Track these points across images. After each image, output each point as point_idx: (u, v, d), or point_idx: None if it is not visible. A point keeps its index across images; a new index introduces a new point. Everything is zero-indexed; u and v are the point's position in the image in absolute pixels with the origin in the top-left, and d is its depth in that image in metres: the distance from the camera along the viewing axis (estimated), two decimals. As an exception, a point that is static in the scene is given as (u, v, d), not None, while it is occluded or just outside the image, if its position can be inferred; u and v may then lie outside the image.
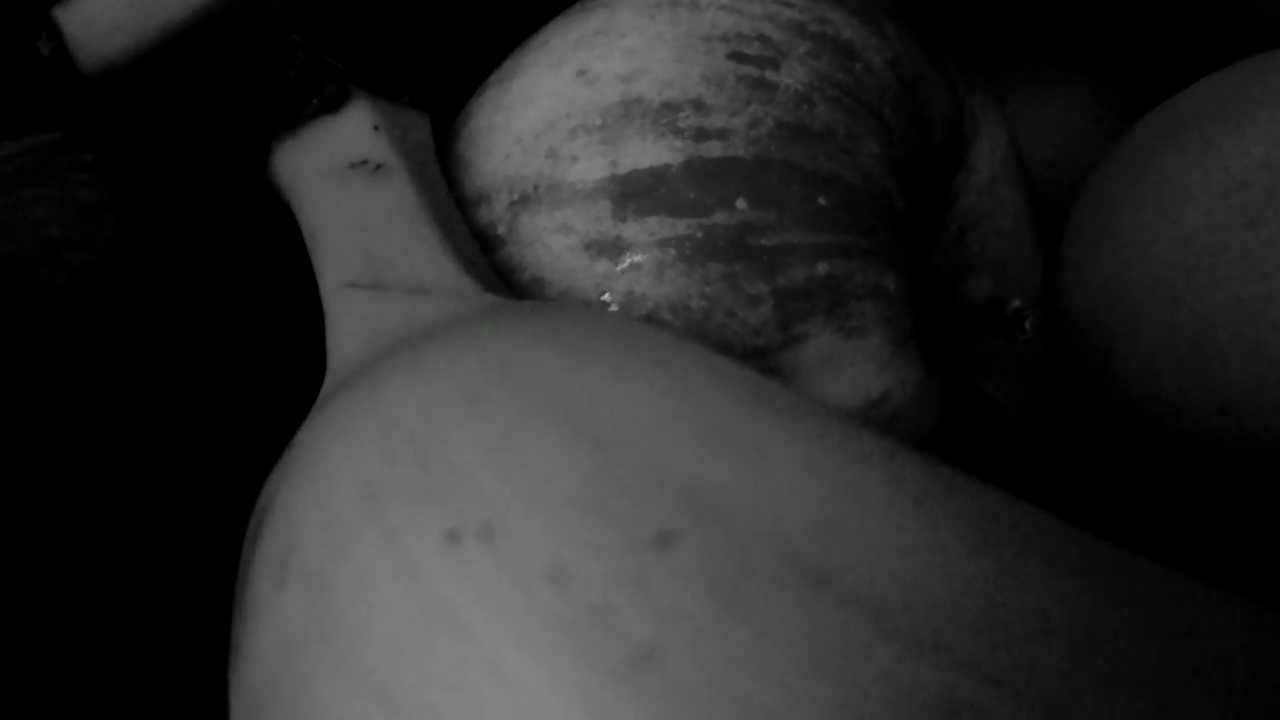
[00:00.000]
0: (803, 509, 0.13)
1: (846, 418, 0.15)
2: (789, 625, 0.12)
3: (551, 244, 0.21)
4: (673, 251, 0.21)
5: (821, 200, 0.21)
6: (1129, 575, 0.13)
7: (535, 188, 0.22)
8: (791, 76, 0.22)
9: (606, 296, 0.21)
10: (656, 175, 0.21)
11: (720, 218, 0.21)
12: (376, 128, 0.21)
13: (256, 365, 0.19)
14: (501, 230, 0.22)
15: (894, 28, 0.24)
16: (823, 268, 0.21)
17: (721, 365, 0.15)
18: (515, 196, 0.22)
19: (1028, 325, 0.23)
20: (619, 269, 0.21)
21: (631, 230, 0.21)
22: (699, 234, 0.21)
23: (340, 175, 0.21)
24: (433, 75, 0.25)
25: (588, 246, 0.21)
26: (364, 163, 0.21)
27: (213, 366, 0.19)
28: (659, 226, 0.21)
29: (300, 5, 0.25)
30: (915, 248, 0.24)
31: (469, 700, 0.12)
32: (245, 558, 0.15)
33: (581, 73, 0.22)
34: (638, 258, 0.21)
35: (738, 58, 0.22)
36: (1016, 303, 0.23)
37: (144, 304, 0.18)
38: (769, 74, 0.22)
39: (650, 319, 0.21)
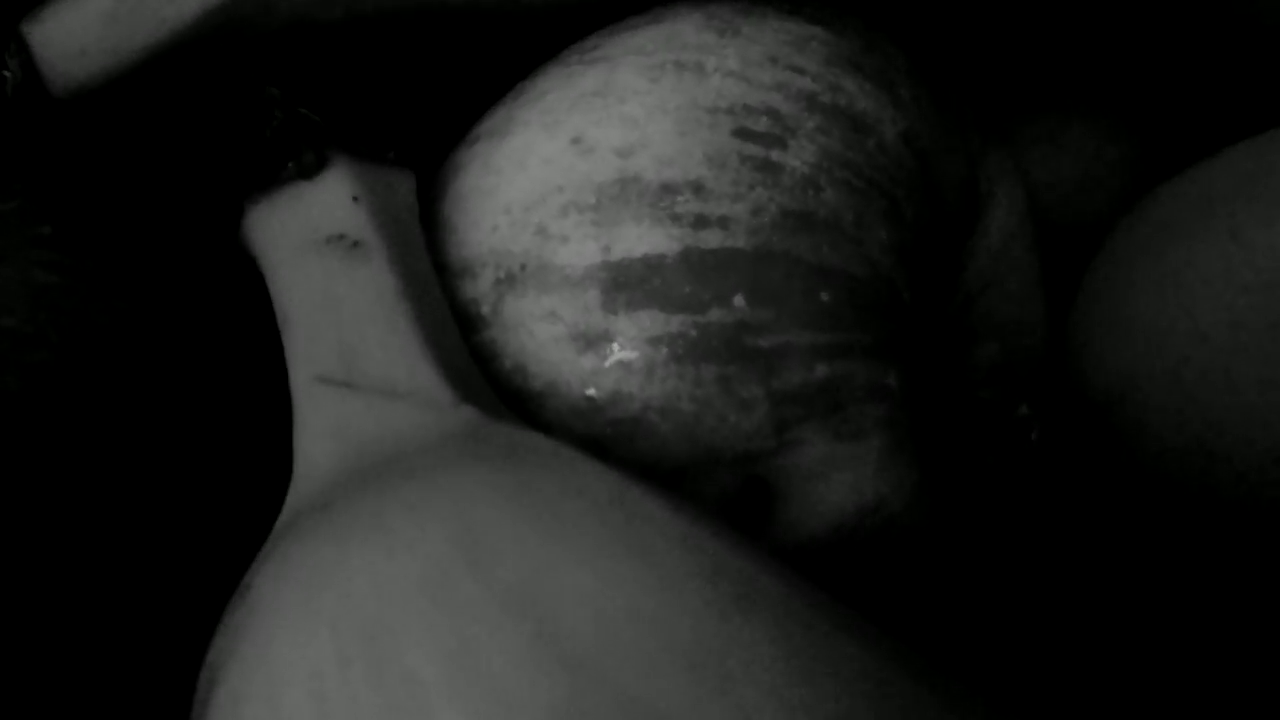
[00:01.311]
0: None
1: (811, 591, 0.14)
2: None
3: (536, 331, 0.20)
4: (664, 350, 0.20)
5: (824, 296, 0.20)
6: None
7: (522, 267, 0.21)
8: (799, 157, 0.21)
9: (592, 392, 0.20)
10: (651, 265, 0.20)
11: (716, 315, 0.20)
12: (356, 198, 0.20)
13: (217, 459, 0.18)
14: (485, 310, 0.21)
15: (910, 92, 0.23)
16: (821, 370, 0.20)
17: (694, 537, 0.14)
18: (501, 274, 0.21)
19: (1033, 436, 0.22)
20: (606, 365, 0.20)
21: (622, 324, 0.20)
22: (693, 332, 0.20)
23: (315, 249, 0.20)
24: (418, 113, 0.24)
25: (574, 338, 0.20)
26: (341, 238, 0.20)
27: (171, 464, 0.18)
28: (651, 322, 0.20)
29: (276, 40, 0.24)
30: (922, 328, 0.23)
31: None
32: None
33: (576, 140, 0.21)
34: (627, 355, 0.20)
35: (743, 135, 0.21)
36: (1024, 409, 0.22)
37: (99, 403, 0.17)
38: (775, 154, 0.21)
39: (637, 421, 0.20)
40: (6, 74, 0.24)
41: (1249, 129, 0.27)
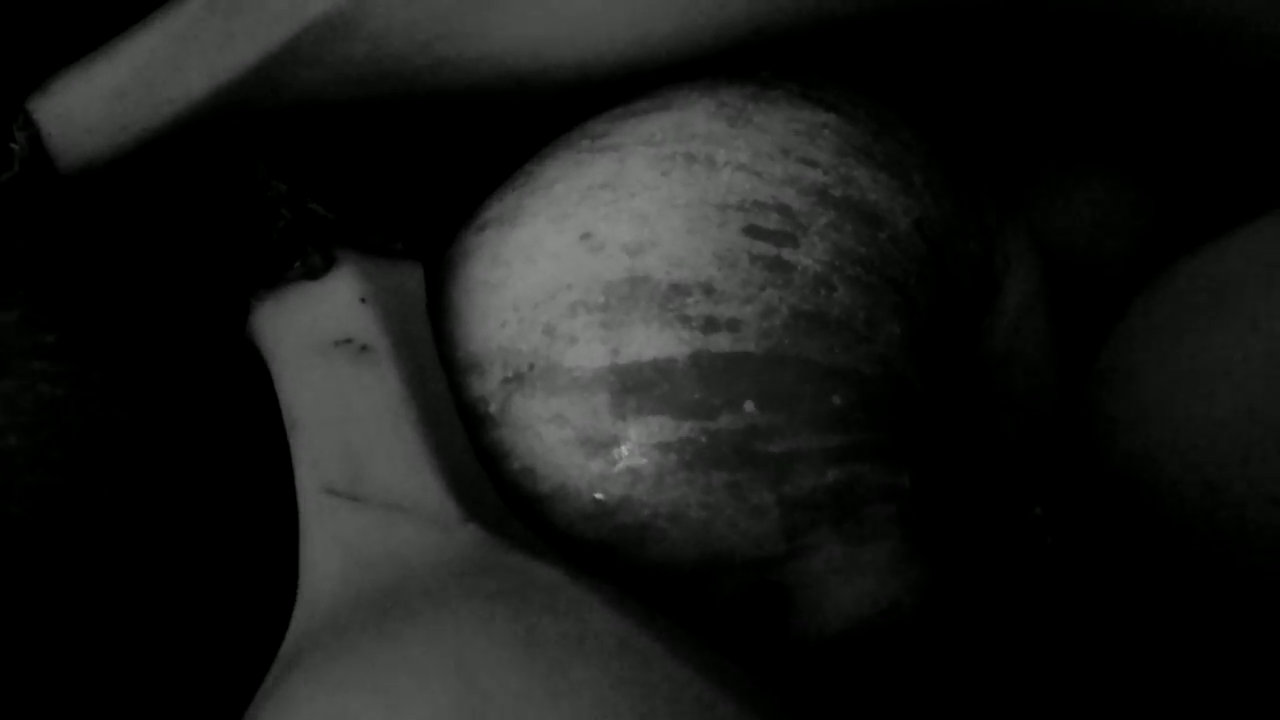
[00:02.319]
0: None
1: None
2: None
3: (545, 434, 0.20)
4: (674, 457, 0.20)
5: (835, 399, 0.20)
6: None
7: (531, 367, 0.20)
8: (811, 255, 0.21)
9: (600, 496, 0.20)
10: (660, 369, 0.20)
11: (726, 421, 0.20)
12: (363, 300, 0.20)
13: (224, 570, 0.18)
14: (494, 409, 0.20)
15: (923, 177, 0.23)
16: (832, 474, 0.20)
17: (707, 692, 0.14)
18: (509, 374, 0.20)
19: (1048, 540, 0.22)
20: (615, 470, 0.20)
21: (631, 430, 0.20)
22: (703, 439, 0.20)
23: (323, 352, 0.20)
24: (424, 192, 0.24)
25: (583, 442, 0.20)
26: (348, 341, 0.20)
27: (177, 577, 0.18)
28: (660, 428, 0.20)
29: (283, 120, 0.24)
30: (936, 418, 0.23)
31: None
32: None
33: (586, 236, 0.21)
34: (636, 461, 0.20)
35: (754, 232, 0.21)
36: (1039, 511, 0.22)
37: (102, 523, 0.17)
38: (786, 252, 0.20)
39: (646, 527, 0.20)
40: (14, 147, 0.24)
41: (1267, 175, 0.26)
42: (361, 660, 0.15)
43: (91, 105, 0.24)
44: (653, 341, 0.20)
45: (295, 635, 0.17)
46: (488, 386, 0.21)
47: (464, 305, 0.22)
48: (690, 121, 0.22)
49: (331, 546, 0.18)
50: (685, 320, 0.20)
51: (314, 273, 0.20)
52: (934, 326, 0.22)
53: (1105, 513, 0.24)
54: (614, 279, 0.20)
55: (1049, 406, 0.26)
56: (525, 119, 0.24)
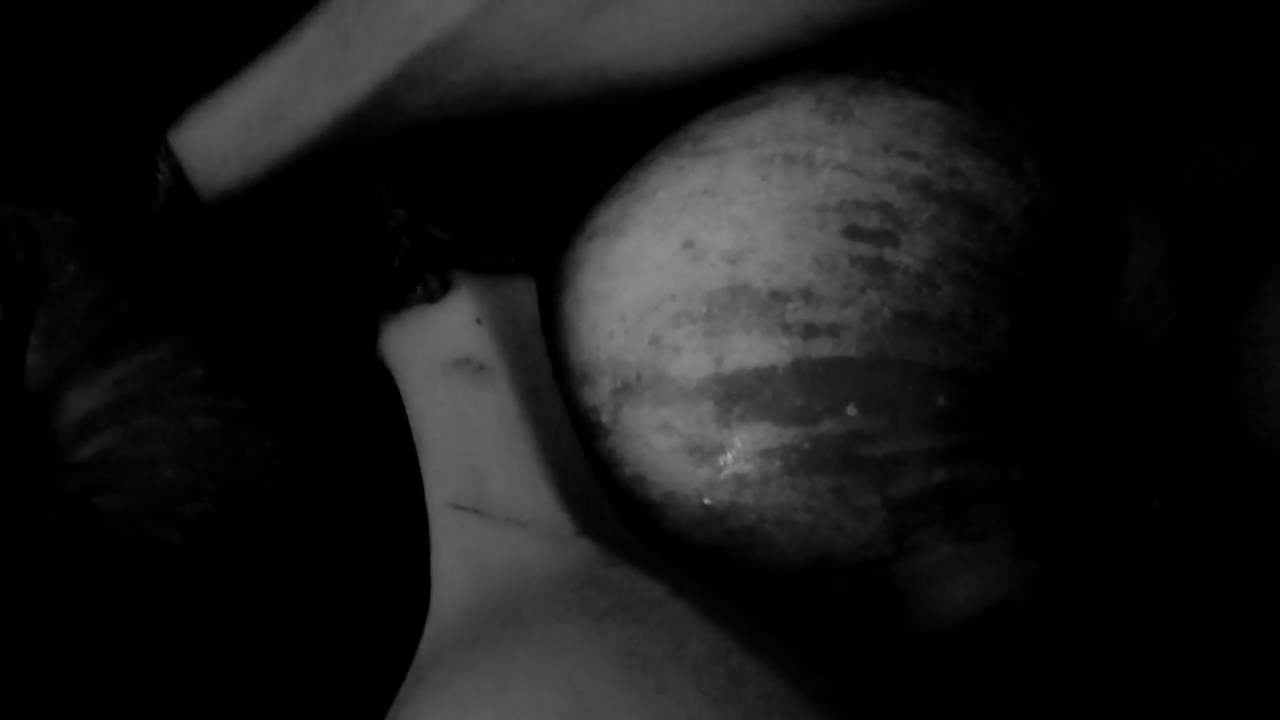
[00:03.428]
0: None
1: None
2: None
3: (654, 442, 0.21)
4: (778, 463, 0.20)
5: (940, 400, 0.20)
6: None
7: (638, 377, 0.21)
8: (912, 254, 0.20)
9: (708, 502, 0.20)
10: (762, 377, 0.20)
11: (829, 427, 0.20)
12: (479, 321, 0.21)
13: (367, 586, 0.20)
14: (605, 418, 0.21)
15: (1034, 161, 0.22)
16: (940, 474, 0.20)
17: (795, 704, 0.15)
18: (618, 384, 0.21)
19: (1168, 531, 0.21)
20: (721, 476, 0.20)
21: (735, 438, 0.20)
22: (806, 445, 0.20)
23: (444, 372, 0.21)
24: (535, 202, 0.25)
25: (690, 450, 0.20)
26: (467, 360, 0.21)
27: (324, 596, 0.19)
28: (764, 435, 0.20)
29: (401, 141, 0.25)
30: (1051, 411, 0.22)
31: None
32: None
33: (688, 245, 0.21)
34: (741, 467, 0.20)
35: (853, 234, 0.21)
36: (1158, 502, 0.21)
37: (256, 546, 0.18)
38: (887, 253, 0.20)
39: (754, 531, 0.20)
40: (159, 177, 0.26)
41: None
42: (481, 675, 0.16)
43: (225, 136, 0.25)
44: (754, 350, 0.20)
45: (427, 645, 0.18)
46: (599, 396, 0.21)
47: (575, 316, 0.22)
48: (789, 120, 0.22)
49: (458, 559, 0.19)
50: (785, 327, 0.20)
51: (433, 296, 0.21)
52: (1047, 315, 0.22)
53: (1238, 499, 0.23)
54: (715, 288, 0.21)
55: (1181, 384, 0.25)
56: (631, 122, 0.24)
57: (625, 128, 0.24)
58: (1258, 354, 0.24)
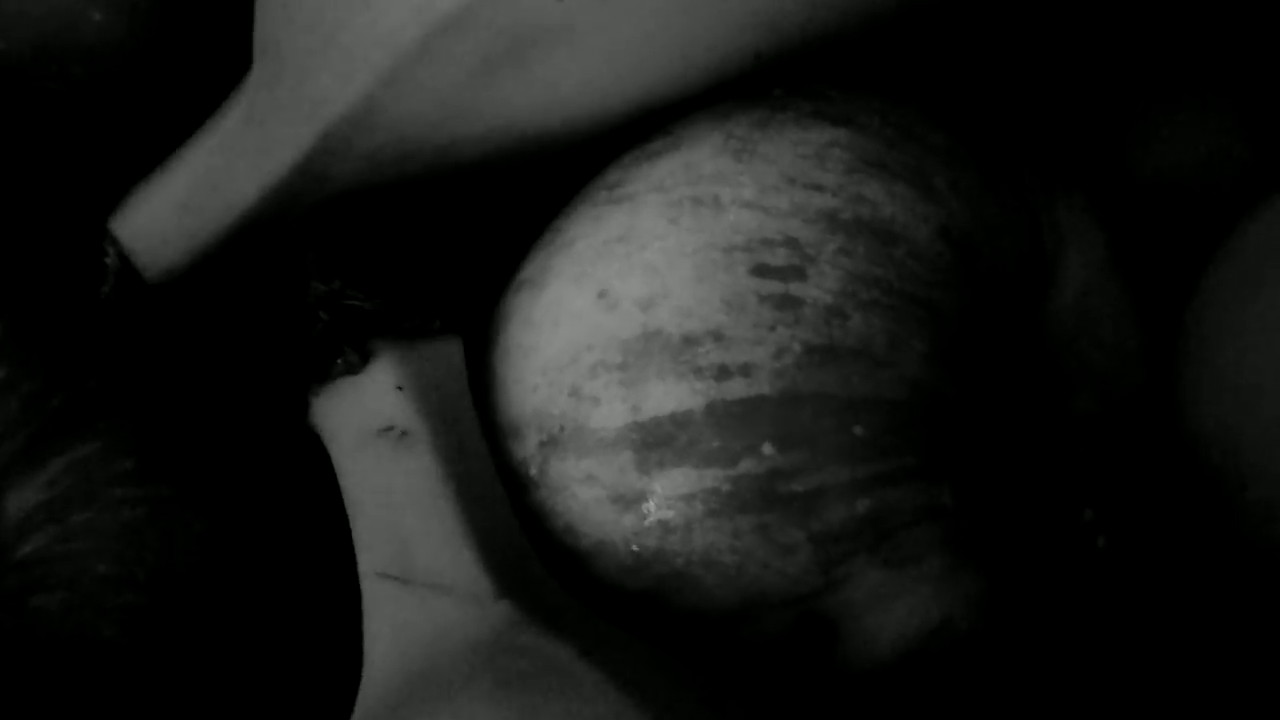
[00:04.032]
0: None
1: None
2: None
3: (580, 494, 0.21)
4: (700, 506, 0.20)
5: (858, 430, 0.20)
6: None
7: (561, 429, 0.21)
8: (820, 286, 0.21)
9: (636, 549, 0.21)
10: (678, 422, 0.20)
11: (747, 466, 0.20)
12: (400, 388, 0.21)
13: (300, 658, 0.20)
14: (534, 472, 0.21)
15: (946, 178, 0.22)
16: (863, 504, 0.20)
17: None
18: (544, 437, 0.21)
19: (1100, 543, 0.21)
20: (646, 524, 0.20)
21: (656, 484, 0.20)
22: (726, 486, 0.20)
23: (370, 441, 0.21)
24: (459, 259, 0.25)
25: (614, 500, 0.21)
26: (390, 429, 0.21)
27: (256, 677, 0.20)
28: (684, 480, 0.20)
29: (328, 207, 0.25)
30: (982, 426, 0.22)
31: None
32: None
33: (602, 294, 0.21)
34: (665, 513, 0.20)
35: (761, 271, 0.21)
36: (1088, 514, 0.21)
37: (187, 632, 0.19)
38: (795, 288, 0.21)
39: (682, 575, 0.20)
40: (107, 262, 0.27)
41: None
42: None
43: (162, 218, 0.26)
44: (669, 395, 0.20)
45: (359, 716, 0.19)
46: (527, 450, 0.22)
47: (503, 370, 0.23)
48: (697, 161, 0.22)
49: (386, 628, 0.19)
50: (698, 371, 0.20)
51: (353, 369, 0.21)
52: (970, 332, 0.22)
53: (1185, 500, 0.23)
54: (629, 336, 0.21)
55: (1136, 377, 0.25)
56: (553, 170, 0.25)
57: (557, 176, 0.25)
58: (1202, 344, 0.24)
